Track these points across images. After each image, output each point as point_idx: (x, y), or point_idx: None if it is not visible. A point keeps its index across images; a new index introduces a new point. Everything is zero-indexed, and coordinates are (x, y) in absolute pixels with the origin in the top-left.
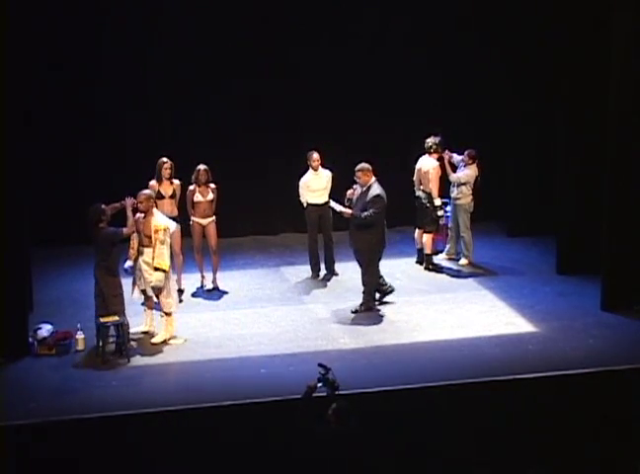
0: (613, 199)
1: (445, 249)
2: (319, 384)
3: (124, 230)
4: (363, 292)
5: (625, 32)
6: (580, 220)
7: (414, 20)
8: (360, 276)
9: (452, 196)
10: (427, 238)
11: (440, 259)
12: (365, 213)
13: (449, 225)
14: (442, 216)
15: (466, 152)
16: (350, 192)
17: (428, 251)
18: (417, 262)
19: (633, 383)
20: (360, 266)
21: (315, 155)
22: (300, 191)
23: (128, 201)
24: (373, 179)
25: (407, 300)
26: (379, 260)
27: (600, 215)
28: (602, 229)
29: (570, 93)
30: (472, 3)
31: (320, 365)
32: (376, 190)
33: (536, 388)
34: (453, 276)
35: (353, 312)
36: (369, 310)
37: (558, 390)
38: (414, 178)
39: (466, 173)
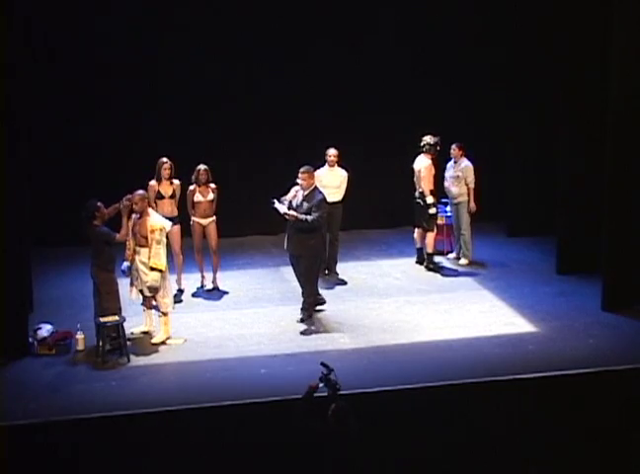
0: (613, 199)
1: (454, 249)
2: (320, 384)
3: (117, 236)
4: (305, 301)
5: (626, 32)
6: (580, 220)
7: (414, 20)
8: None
9: (454, 193)
10: (429, 237)
11: (451, 258)
12: (312, 217)
13: (454, 225)
14: (436, 214)
15: (454, 146)
16: (291, 194)
17: (429, 250)
18: (417, 262)
19: (633, 383)
20: (299, 273)
21: (332, 151)
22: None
23: (125, 203)
24: (315, 183)
25: (407, 300)
26: (320, 267)
27: (599, 215)
28: (602, 229)
29: (570, 93)
30: (473, 4)
31: (323, 365)
32: (320, 194)
33: (536, 388)
34: (453, 276)
35: (298, 321)
36: (310, 318)
37: (558, 390)
38: (415, 179)
39: (467, 164)
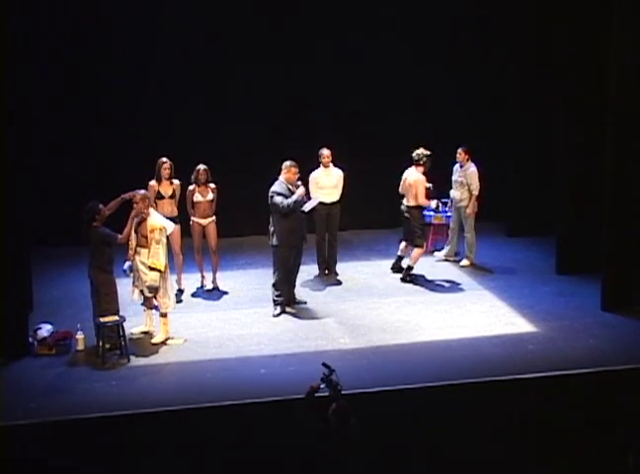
0: (613, 199)
1: (445, 249)
2: (322, 385)
3: (119, 237)
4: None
5: (626, 32)
6: (580, 220)
7: (415, 20)
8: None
9: (456, 198)
10: (416, 252)
11: (439, 258)
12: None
13: (451, 226)
14: (439, 211)
15: (460, 150)
16: (303, 190)
17: (412, 263)
18: (391, 268)
19: (633, 383)
20: (298, 262)
21: (325, 152)
22: (309, 187)
23: (136, 204)
24: (312, 185)
25: (407, 300)
26: None
27: (600, 215)
28: (602, 229)
29: (570, 93)
30: (473, 4)
31: (324, 365)
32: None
33: (536, 388)
34: (453, 276)
35: (303, 304)
36: None
37: (558, 390)
38: (400, 189)
39: (472, 171)
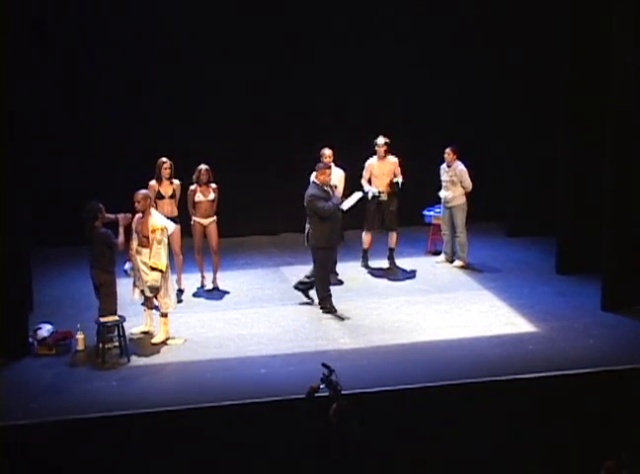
0: (613, 199)
1: (443, 254)
2: (322, 385)
3: (118, 244)
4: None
5: (626, 32)
6: (580, 220)
7: (414, 20)
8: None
9: (447, 197)
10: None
11: (440, 261)
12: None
13: (443, 227)
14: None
15: (448, 149)
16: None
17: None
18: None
19: (633, 383)
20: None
21: (327, 152)
22: None
23: (122, 220)
24: None
25: (407, 300)
26: None
27: (600, 215)
28: (603, 229)
29: (570, 93)
30: (473, 5)
31: (324, 366)
32: None
33: (537, 388)
34: (453, 276)
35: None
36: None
37: (558, 390)
38: None
39: (462, 168)
